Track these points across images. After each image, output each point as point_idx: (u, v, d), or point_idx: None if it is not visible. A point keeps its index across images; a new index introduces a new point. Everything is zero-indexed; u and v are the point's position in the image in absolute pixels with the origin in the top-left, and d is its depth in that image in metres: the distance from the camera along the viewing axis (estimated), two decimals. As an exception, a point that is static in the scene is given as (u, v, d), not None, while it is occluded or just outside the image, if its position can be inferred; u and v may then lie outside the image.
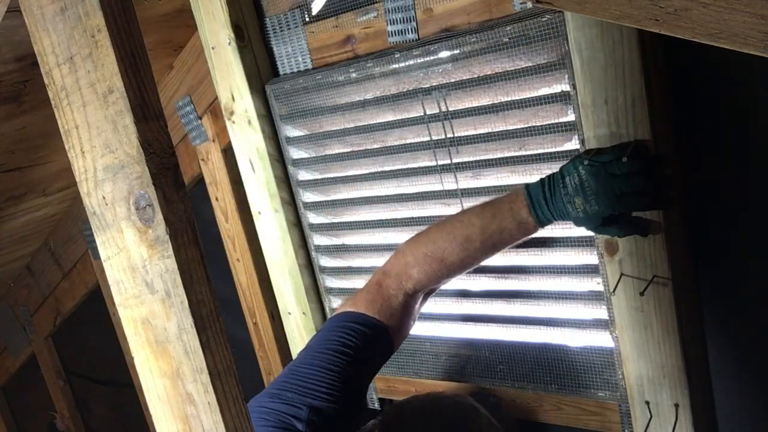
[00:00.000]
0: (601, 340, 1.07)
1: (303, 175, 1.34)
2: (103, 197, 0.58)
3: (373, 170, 1.25)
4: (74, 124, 0.58)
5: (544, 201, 0.93)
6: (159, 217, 0.55)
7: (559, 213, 0.93)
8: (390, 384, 1.35)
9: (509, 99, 1.04)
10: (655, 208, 0.90)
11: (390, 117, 1.18)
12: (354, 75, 1.18)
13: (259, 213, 1.37)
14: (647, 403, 1.00)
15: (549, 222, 0.96)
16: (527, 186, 0.95)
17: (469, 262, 1.01)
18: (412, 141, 1.17)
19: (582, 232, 1.03)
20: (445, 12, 1.06)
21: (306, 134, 1.31)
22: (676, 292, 0.94)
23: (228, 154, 1.49)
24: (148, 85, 0.55)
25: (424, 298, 1.08)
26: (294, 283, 1.37)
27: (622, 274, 0.96)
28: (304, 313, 1.38)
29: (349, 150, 1.26)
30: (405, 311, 1.02)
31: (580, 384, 1.11)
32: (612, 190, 0.87)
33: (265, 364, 1.65)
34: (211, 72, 1.31)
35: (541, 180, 0.94)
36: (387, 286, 1.02)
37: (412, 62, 1.10)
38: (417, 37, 1.10)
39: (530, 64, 1.00)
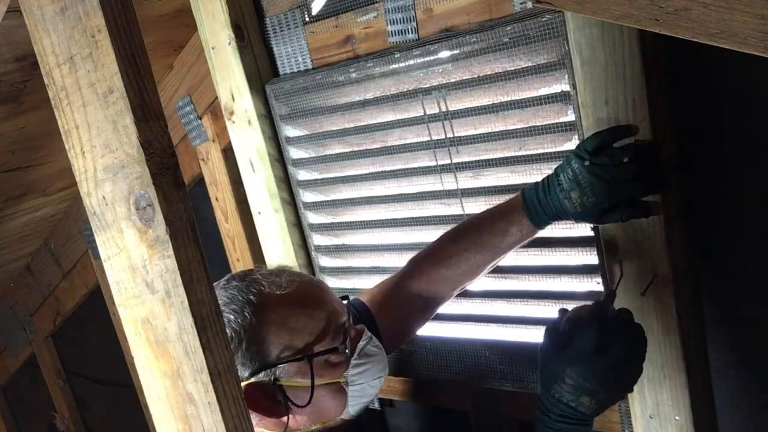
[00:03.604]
0: (601, 340, 1.07)
1: (303, 175, 1.34)
2: (103, 197, 0.58)
3: (373, 170, 1.24)
4: (74, 124, 0.58)
5: (537, 202, 0.94)
6: (159, 217, 0.55)
7: (555, 212, 0.93)
8: (390, 384, 1.35)
9: (509, 99, 1.04)
10: (653, 192, 0.89)
11: (390, 117, 1.18)
12: (354, 75, 1.18)
13: (259, 213, 1.37)
14: (647, 403, 1.00)
15: (546, 223, 0.96)
16: (524, 189, 0.97)
17: (470, 260, 1.04)
18: (412, 141, 1.17)
19: (582, 231, 1.03)
20: (445, 12, 1.06)
21: (306, 134, 1.31)
22: (676, 292, 0.94)
23: (228, 154, 1.49)
24: (148, 85, 0.55)
25: (430, 304, 1.11)
26: (294, 283, 1.37)
27: (622, 274, 0.96)
28: (304, 313, 1.38)
29: (349, 150, 1.26)
30: (396, 298, 1.09)
31: (580, 384, 1.11)
32: (607, 180, 0.87)
33: (265, 364, 1.65)
34: (211, 72, 1.31)
35: (536, 182, 0.95)
36: (391, 276, 1.12)
37: (412, 62, 1.10)
38: (417, 37, 1.10)
39: (530, 64, 1.00)
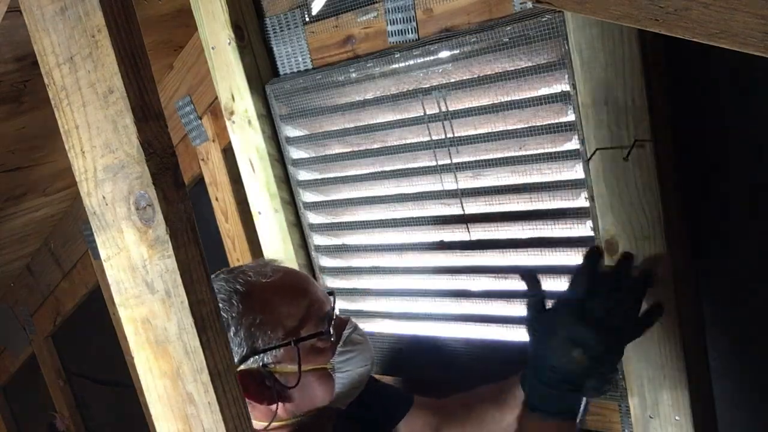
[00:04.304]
0: (601, 340, 1.07)
1: (303, 175, 1.34)
2: (103, 197, 0.58)
3: (373, 170, 1.24)
4: (74, 124, 0.58)
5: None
6: (159, 217, 0.55)
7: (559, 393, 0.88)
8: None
9: (509, 99, 1.04)
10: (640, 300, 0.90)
11: (390, 117, 1.18)
12: (354, 75, 1.18)
13: (259, 213, 1.37)
14: (647, 403, 1.00)
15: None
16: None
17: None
18: (412, 141, 1.17)
19: (582, 231, 1.03)
20: (445, 12, 1.06)
21: (306, 134, 1.31)
22: (676, 292, 0.94)
23: (228, 154, 1.49)
24: (148, 85, 0.55)
25: None
26: (294, 283, 1.37)
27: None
28: (304, 313, 1.38)
29: (349, 150, 1.26)
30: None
31: (580, 384, 1.11)
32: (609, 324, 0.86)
33: (265, 364, 1.65)
34: (211, 72, 1.31)
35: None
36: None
37: (412, 62, 1.10)
38: (417, 37, 1.10)
39: (530, 64, 1.00)
